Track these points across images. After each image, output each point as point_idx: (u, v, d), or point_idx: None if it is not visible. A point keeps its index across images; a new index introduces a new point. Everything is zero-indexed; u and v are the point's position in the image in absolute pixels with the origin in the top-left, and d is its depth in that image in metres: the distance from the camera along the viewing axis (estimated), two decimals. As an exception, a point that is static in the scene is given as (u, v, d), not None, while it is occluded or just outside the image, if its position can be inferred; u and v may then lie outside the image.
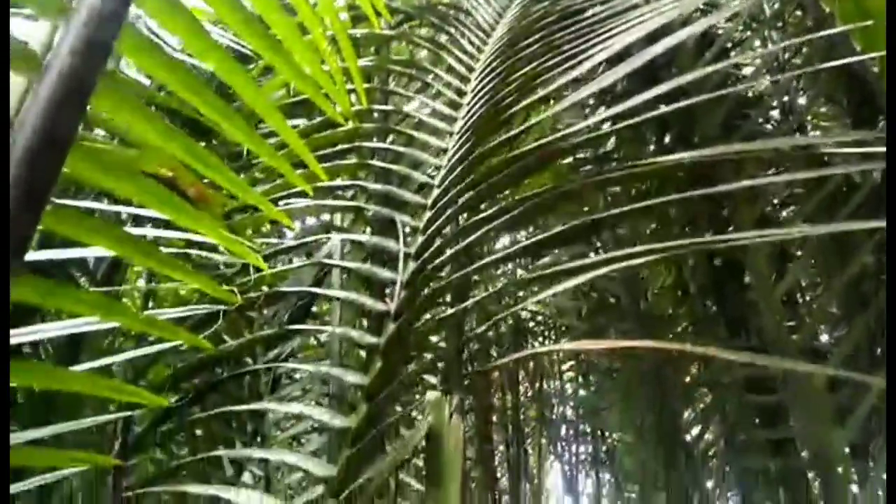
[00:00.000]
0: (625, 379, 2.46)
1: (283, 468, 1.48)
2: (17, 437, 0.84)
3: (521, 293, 2.11)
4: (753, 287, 1.69)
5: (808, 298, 1.93)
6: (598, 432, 3.10)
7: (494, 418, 3.26)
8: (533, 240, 0.88)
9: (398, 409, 0.84)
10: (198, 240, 1.17)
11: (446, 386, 0.78)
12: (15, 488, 0.78)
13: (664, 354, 1.91)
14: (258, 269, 1.20)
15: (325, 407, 1.15)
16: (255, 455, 1.03)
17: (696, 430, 2.42)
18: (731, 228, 1.78)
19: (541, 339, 3.21)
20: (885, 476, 1.45)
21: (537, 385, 3.38)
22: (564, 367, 3.30)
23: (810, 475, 1.75)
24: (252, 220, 1.35)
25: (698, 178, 1.10)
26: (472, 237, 0.97)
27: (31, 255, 1.12)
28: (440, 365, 0.98)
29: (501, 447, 3.47)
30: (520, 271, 2.68)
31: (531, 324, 3.27)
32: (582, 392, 3.21)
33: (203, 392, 1.11)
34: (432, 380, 1.55)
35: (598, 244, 2.06)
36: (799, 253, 1.92)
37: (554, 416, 3.31)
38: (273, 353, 1.90)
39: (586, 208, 1.67)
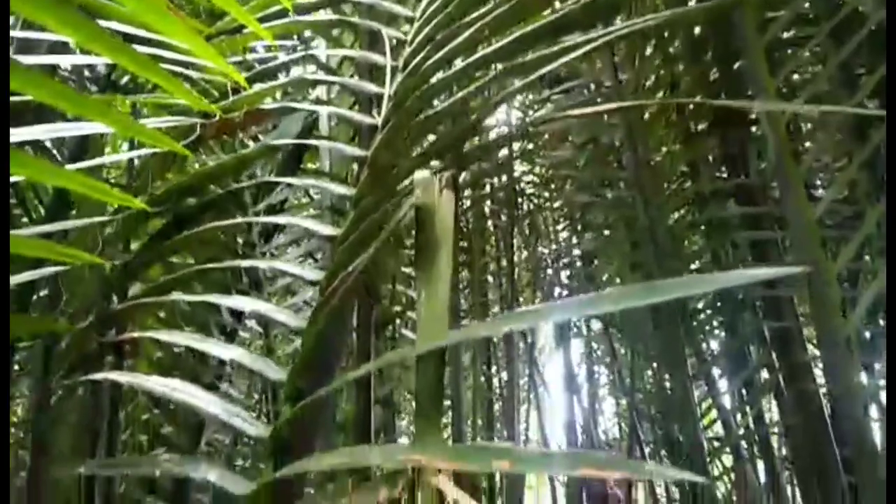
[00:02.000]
0: (618, 235, 2.47)
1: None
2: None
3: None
4: (759, 121, 1.64)
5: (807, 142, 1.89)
6: (591, 290, 3.16)
7: (490, 279, 3.32)
8: (520, 33, 0.82)
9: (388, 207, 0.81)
10: (174, 58, 1.11)
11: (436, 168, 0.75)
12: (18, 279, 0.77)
13: (657, 193, 1.89)
14: (237, 92, 1.15)
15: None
16: (244, 265, 1.03)
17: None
18: (739, 63, 1.71)
19: (535, 198, 3.20)
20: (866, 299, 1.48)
21: (531, 247, 3.42)
22: (559, 227, 3.31)
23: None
24: (230, 42, 1.27)
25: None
26: (464, 35, 0.91)
27: (36, 59, 1.08)
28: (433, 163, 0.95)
29: (496, 307, 3.56)
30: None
31: (524, 185, 3.25)
32: (576, 252, 3.24)
33: (190, 215, 1.08)
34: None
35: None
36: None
37: (547, 276, 3.37)
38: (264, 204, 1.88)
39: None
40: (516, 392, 3.28)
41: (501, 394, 3.34)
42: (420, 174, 0.68)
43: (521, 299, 3.31)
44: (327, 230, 0.93)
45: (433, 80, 0.93)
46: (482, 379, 3.35)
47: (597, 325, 3.40)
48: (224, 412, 0.79)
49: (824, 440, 1.51)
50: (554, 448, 3.76)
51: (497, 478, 3.54)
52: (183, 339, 0.83)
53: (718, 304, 2.10)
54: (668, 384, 2.33)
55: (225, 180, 1.13)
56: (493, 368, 3.49)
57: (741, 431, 2.02)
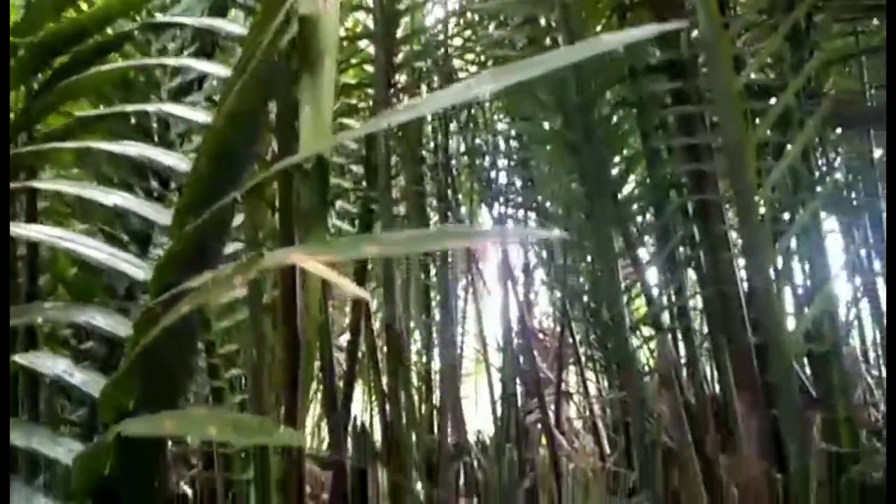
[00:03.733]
0: (552, 118, 2.43)
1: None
2: None
3: None
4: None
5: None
6: (528, 182, 3.15)
7: (426, 169, 3.26)
8: None
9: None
10: None
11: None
12: None
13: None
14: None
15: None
16: (129, 109, 0.95)
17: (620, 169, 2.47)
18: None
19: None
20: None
21: (469, 138, 3.35)
22: (496, 116, 3.25)
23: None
24: None
25: None
26: None
27: None
28: None
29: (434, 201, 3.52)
30: None
31: (461, 73, 3.14)
32: (514, 143, 3.20)
33: (81, 61, 0.98)
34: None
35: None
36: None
37: (485, 167, 3.33)
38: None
39: None
40: (453, 285, 3.30)
41: (439, 284, 3.36)
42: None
43: (458, 188, 3.28)
44: (222, 71, 0.86)
45: None
46: (421, 276, 3.34)
47: (534, 218, 3.42)
48: (109, 257, 0.74)
49: (735, 304, 1.58)
50: (491, 341, 3.87)
51: (435, 371, 3.65)
52: (56, 185, 0.77)
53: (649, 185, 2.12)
54: (599, 271, 2.38)
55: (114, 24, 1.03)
56: (430, 259, 3.47)
57: (665, 302, 2.10)
